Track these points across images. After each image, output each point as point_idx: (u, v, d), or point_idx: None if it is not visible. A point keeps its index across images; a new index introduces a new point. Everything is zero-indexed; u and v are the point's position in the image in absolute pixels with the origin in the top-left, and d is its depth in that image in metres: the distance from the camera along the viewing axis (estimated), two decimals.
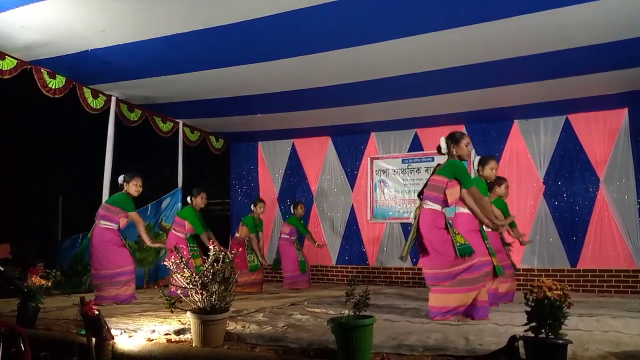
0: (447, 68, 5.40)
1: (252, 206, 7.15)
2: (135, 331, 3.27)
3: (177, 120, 7.68)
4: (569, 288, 2.32)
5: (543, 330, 2.19)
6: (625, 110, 6.68)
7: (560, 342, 2.16)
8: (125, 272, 5.21)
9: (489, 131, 7.37)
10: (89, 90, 6.12)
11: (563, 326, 2.20)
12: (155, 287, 5.02)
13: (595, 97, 6.23)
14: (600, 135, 6.80)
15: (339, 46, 4.95)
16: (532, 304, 2.26)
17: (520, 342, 2.31)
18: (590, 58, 5.04)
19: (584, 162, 6.86)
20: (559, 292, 2.21)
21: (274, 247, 8.44)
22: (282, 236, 7.47)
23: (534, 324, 2.23)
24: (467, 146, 4.00)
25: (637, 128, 6.58)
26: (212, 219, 8.73)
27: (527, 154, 7.18)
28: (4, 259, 8.05)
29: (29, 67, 5.36)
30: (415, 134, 7.81)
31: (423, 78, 5.64)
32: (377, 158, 8.17)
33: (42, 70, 5.48)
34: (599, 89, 5.99)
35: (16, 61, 5.21)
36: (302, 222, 7.57)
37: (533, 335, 2.22)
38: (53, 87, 5.60)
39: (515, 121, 7.27)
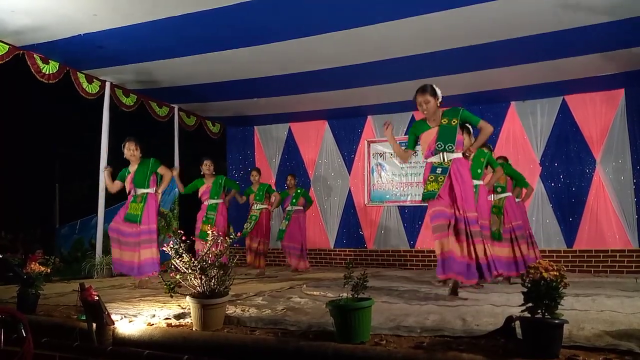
0: (443, 50, 5.37)
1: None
2: (135, 316, 3.29)
3: (173, 105, 7.63)
4: (565, 269, 2.33)
5: (539, 311, 2.21)
6: (622, 91, 6.67)
7: (557, 322, 2.18)
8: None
9: (486, 113, 7.30)
10: (84, 75, 6.07)
11: (559, 306, 2.22)
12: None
13: (592, 78, 6.22)
14: (597, 116, 6.80)
15: (335, 29, 4.91)
16: (529, 285, 2.27)
17: (517, 323, 2.34)
18: (587, 39, 5.01)
19: (581, 143, 6.87)
20: (555, 273, 2.22)
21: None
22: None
23: (530, 304, 2.24)
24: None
25: (633, 109, 6.58)
26: None
27: (523, 135, 7.19)
28: None
29: (22, 52, 5.29)
30: (412, 116, 7.78)
31: (419, 60, 5.60)
32: (374, 141, 8.16)
33: (34, 55, 5.41)
34: (596, 69, 5.97)
35: (8, 46, 5.14)
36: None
37: (529, 315, 2.23)
38: (47, 73, 5.55)
39: (512, 103, 7.26)
